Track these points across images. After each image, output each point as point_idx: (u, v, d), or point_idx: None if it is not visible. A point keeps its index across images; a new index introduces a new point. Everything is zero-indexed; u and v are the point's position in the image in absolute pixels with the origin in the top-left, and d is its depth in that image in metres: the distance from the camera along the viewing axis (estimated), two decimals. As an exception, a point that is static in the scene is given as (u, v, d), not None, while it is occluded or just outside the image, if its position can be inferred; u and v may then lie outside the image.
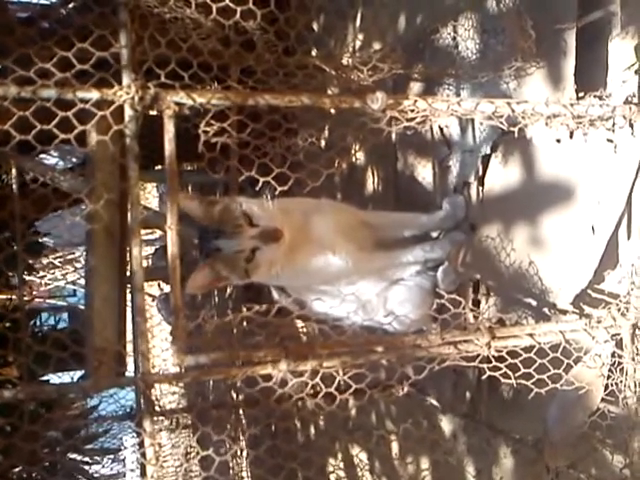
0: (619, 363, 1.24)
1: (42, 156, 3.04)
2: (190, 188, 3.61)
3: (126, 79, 0.94)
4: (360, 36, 2.52)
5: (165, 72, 0.98)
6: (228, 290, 2.91)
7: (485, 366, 1.11)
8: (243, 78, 1.64)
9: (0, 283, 2.71)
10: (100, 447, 3.31)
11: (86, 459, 3.22)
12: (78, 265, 5.80)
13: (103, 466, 3.44)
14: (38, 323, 3.34)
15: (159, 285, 4.47)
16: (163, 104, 0.95)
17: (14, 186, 2.15)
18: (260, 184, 1.07)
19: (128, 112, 0.93)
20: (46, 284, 5.79)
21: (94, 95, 0.91)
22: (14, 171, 2.16)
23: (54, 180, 2.10)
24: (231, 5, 1.08)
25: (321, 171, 1.14)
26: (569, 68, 1.53)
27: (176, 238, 0.96)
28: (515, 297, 1.70)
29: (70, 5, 2.41)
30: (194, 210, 1.52)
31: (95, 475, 3.33)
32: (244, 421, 2.54)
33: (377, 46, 2.31)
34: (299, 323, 1.72)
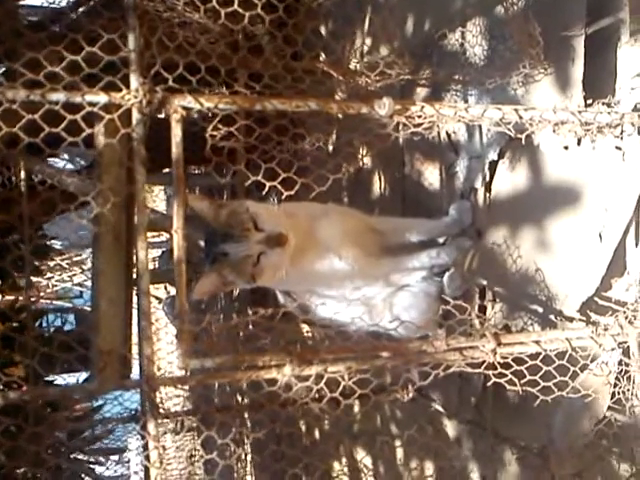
0: (626, 371, 1.24)
1: (50, 158, 3.05)
2: (197, 191, 3.62)
3: (134, 83, 0.95)
4: (368, 41, 2.52)
5: (173, 76, 0.99)
6: (234, 293, 2.91)
7: (491, 372, 1.11)
8: (251, 83, 1.65)
9: (7, 284, 2.72)
10: (104, 449, 3.31)
11: (90, 461, 3.22)
12: (85, 267, 5.81)
13: (107, 468, 3.44)
14: (44, 324, 3.35)
15: (166, 288, 4.48)
16: (171, 108, 0.95)
17: (22, 188, 2.17)
18: (267, 188, 1.07)
19: (136, 115, 0.94)
20: (53, 286, 5.81)
21: (102, 98, 0.91)
22: (22, 173, 2.17)
23: (62, 182, 2.11)
24: (239, 10, 1.08)
25: (328, 176, 1.14)
26: (577, 75, 1.53)
27: (182, 242, 0.97)
28: (521, 304, 1.70)
29: (80, 9, 2.43)
30: (204, 210, 1.51)
31: (99, 477, 3.33)
32: (248, 425, 2.54)
33: (385, 51, 2.31)
34: (304, 327, 1.71)
